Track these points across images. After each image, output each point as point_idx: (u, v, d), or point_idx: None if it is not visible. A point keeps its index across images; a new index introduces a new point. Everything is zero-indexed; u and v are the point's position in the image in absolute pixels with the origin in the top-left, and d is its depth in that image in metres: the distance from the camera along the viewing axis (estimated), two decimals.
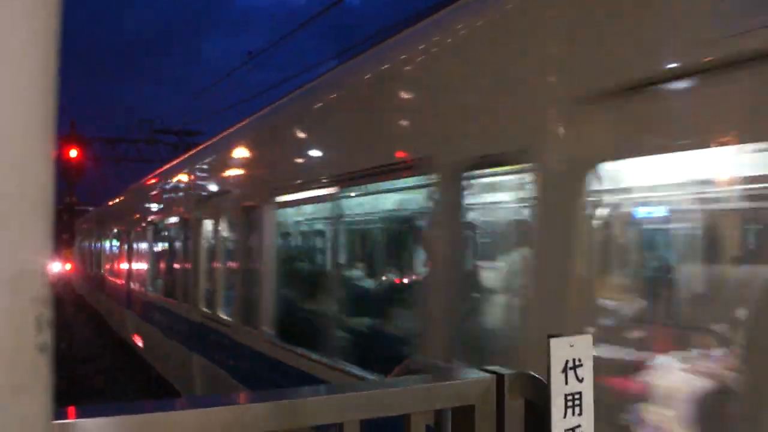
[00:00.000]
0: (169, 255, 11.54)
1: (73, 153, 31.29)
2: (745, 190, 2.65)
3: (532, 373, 1.90)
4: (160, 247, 12.60)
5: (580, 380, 1.80)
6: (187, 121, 32.87)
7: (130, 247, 15.63)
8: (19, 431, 0.76)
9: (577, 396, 1.80)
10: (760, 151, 2.30)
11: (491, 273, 3.68)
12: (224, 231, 8.07)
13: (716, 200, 2.90)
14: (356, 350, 4.84)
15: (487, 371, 1.94)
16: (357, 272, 5.49)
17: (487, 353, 3.55)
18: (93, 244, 25.68)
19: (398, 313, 4.71)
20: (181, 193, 10.93)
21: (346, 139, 5.05)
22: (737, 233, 2.87)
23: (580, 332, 2.41)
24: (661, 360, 2.84)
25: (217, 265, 8.27)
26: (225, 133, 8.97)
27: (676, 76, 2.51)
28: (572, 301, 2.79)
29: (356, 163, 4.77)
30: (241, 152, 7.88)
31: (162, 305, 11.57)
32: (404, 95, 4.42)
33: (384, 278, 5.31)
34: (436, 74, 4.02)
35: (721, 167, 2.62)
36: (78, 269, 33.79)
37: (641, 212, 3.17)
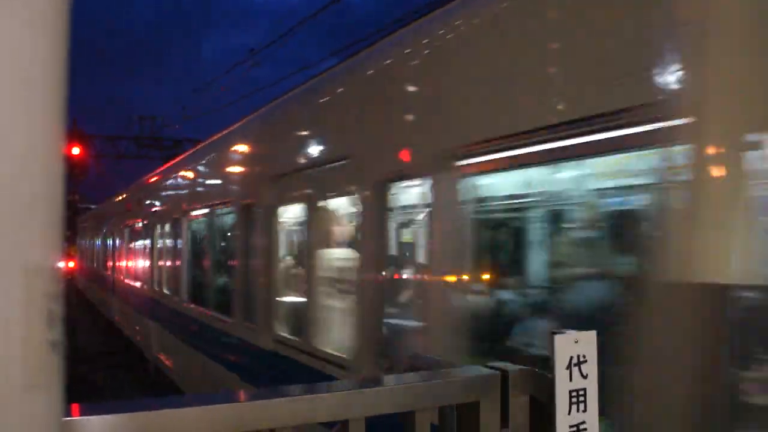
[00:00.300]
0: (136, 251, 15.78)
1: (76, 150, 31.06)
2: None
3: (537, 369, 1.91)
4: (130, 245, 16.74)
5: (585, 376, 1.81)
6: (188, 116, 32.58)
7: (113, 246, 20.37)
8: (30, 427, 0.76)
9: (581, 392, 1.80)
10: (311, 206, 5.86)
11: (255, 259, 7.04)
12: (165, 233, 12.08)
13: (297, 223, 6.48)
14: (213, 303, 8.75)
15: (491, 368, 1.94)
16: (213, 261, 9.15)
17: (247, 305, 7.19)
18: (87, 243, 30.05)
19: (228, 284, 8.27)
20: (142, 206, 15.22)
21: (208, 186, 9.94)
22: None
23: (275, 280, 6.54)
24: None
25: (161, 256, 12.41)
26: (168, 165, 14.38)
27: (287, 173, 6.11)
28: (274, 273, 6.45)
29: (212, 198, 9.04)
30: (170, 180, 12.54)
31: (131, 289, 15.96)
32: (222, 173, 9.02)
33: (225, 265, 8.78)
34: (232, 163, 8.48)
35: (297, 214, 6.24)
36: (80, 266, 34.06)
37: (290, 228, 6.67)
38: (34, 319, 0.78)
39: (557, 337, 1.79)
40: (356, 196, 4.88)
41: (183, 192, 11.63)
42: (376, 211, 4.56)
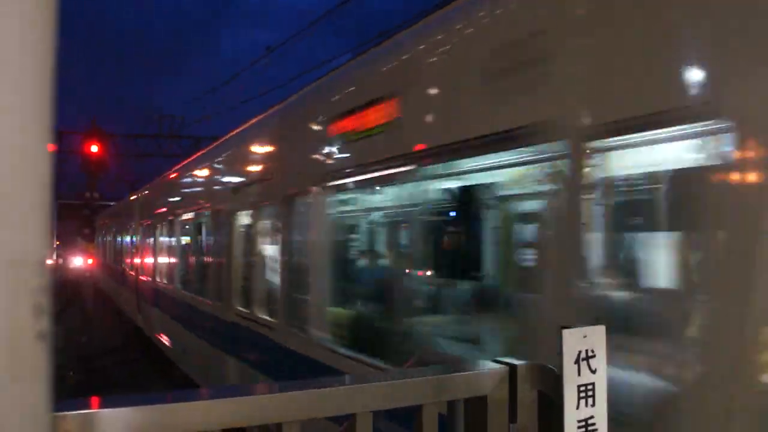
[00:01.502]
0: (132, 247, 19.17)
1: (94, 148, 31.30)
2: None
3: (546, 364, 1.90)
4: (129, 242, 20.20)
5: (593, 371, 1.79)
6: (207, 113, 32.61)
7: (117, 243, 24.34)
8: (17, 419, 0.77)
9: (590, 387, 1.79)
10: None
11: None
12: (156, 232, 14.49)
13: None
14: (193, 285, 10.51)
15: (500, 362, 1.93)
16: (203, 255, 10.42)
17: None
18: (101, 240, 33.15)
19: (203, 267, 10.00)
20: (139, 210, 17.80)
21: (182, 197, 12.24)
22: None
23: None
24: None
25: (153, 249, 14.75)
26: (159, 178, 16.59)
27: None
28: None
29: (189, 209, 11.07)
30: (162, 191, 14.72)
31: (125, 273, 20.01)
32: (188, 188, 11.71)
33: (201, 256, 10.45)
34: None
35: None
36: (98, 263, 34.40)
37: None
38: (20, 310, 0.78)
39: (565, 332, 1.77)
40: None
41: (171, 199, 13.30)
42: None
